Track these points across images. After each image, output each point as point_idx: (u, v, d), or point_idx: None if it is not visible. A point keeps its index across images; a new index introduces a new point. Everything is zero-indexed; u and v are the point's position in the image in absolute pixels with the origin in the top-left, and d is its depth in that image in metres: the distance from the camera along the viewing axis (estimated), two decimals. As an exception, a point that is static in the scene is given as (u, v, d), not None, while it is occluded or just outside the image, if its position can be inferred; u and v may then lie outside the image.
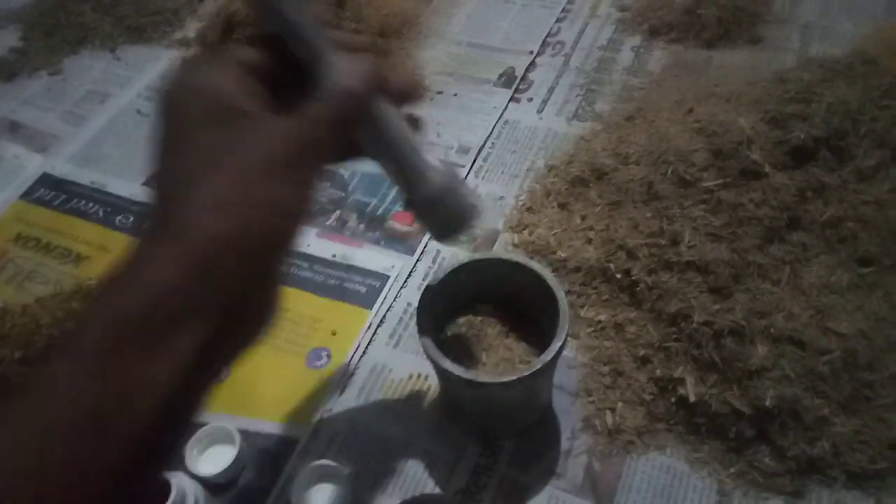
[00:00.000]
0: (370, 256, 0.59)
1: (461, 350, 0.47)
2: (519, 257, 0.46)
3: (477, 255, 0.46)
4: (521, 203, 0.63)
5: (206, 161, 0.26)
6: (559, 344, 0.41)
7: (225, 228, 0.25)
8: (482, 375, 0.41)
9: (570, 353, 0.53)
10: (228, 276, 0.26)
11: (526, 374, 0.39)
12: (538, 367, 0.40)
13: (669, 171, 0.52)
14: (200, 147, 0.27)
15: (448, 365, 0.40)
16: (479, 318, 0.48)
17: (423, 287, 0.44)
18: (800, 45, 0.73)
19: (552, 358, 0.40)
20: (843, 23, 0.75)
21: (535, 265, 0.45)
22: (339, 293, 0.57)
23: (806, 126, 0.48)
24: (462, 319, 0.48)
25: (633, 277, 0.51)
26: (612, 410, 0.49)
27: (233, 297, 0.26)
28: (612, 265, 0.53)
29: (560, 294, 0.43)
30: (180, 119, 0.27)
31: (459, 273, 0.45)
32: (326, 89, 0.29)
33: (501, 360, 0.47)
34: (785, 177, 0.48)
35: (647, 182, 0.54)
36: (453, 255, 0.60)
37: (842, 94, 0.49)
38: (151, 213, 0.26)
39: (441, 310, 0.46)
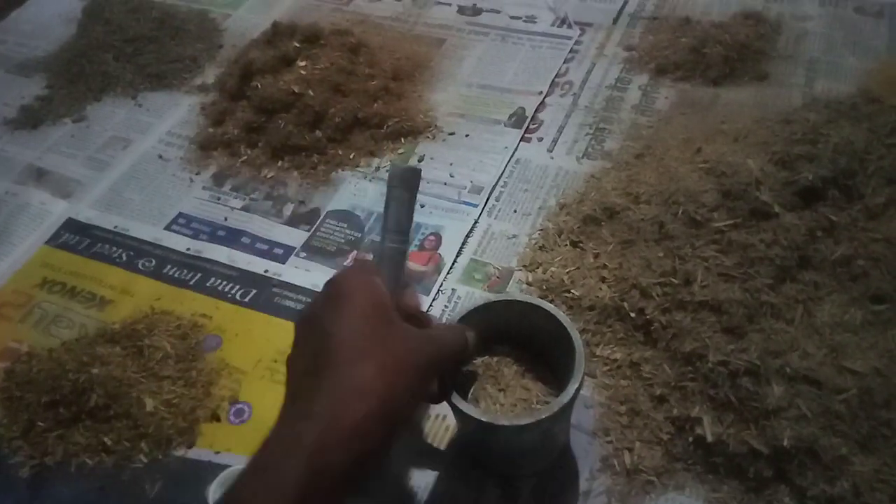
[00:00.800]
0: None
1: (478, 391, 0.47)
2: (534, 299, 0.47)
3: (492, 297, 0.47)
4: (533, 241, 0.64)
5: (373, 346, 0.35)
6: (576, 385, 0.41)
7: (381, 398, 0.33)
8: (499, 418, 0.41)
9: (586, 393, 0.53)
10: (380, 433, 0.33)
11: (543, 416, 0.40)
12: (556, 409, 0.40)
13: (680, 212, 0.53)
14: (371, 334, 0.35)
15: (465, 407, 0.41)
16: (496, 359, 0.49)
17: None
18: (805, 81, 0.74)
19: (570, 400, 0.41)
20: (847, 58, 0.76)
21: (549, 306, 0.45)
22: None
23: (813, 167, 0.49)
24: (478, 360, 0.48)
25: (648, 316, 0.52)
26: (630, 450, 0.49)
27: (366, 468, 0.33)
28: (626, 304, 0.54)
29: (575, 334, 0.43)
30: (355, 302, 0.36)
31: (474, 315, 0.46)
32: (451, 327, 0.43)
33: (518, 400, 0.47)
34: (794, 217, 0.48)
35: (658, 222, 0.55)
36: (468, 294, 0.61)
37: (847, 133, 0.50)
38: (322, 369, 0.34)
39: None
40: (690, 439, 0.47)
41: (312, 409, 0.32)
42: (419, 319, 0.41)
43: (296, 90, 0.71)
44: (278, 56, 0.74)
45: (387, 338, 0.35)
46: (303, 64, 0.73)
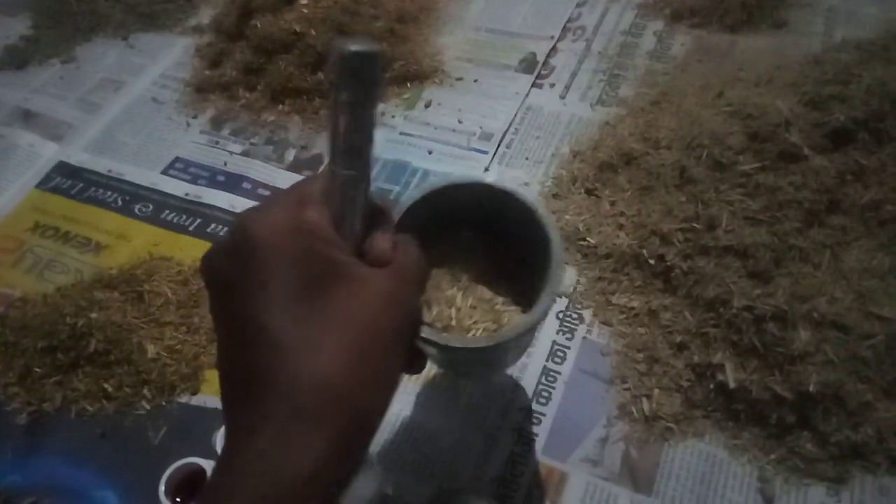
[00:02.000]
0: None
1: (431, 292, 0.39)
2: (506, 185, 0.37)
3: (456, 180, 0.37)
4: (546, 189, 0.62)
5: (326, 331, 0.25)
6: (549, 302, 0.33)
7: (354, 411, 0.24)
8: (453, 340, 0.33)
9: (602, 341, 0.52)
10: (354, 452, 0.25)
11: (511, 335, 0.33)
12: (518, 331, 0.33)
13: (704, 155, 0.51)
14: (315, 311, 0.25)
15: (429, 334, 0.32)
16: (458, 250, 0.40)
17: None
18: (824, 30, 0.72)
19: (540, 316, 0.33)
20: (867, 7, 0.74)
21: (524, 195, 0.36)
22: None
23: (845, 108, 0.47)
24: (435, 250, 0.38)
25: (668, 263, 0.50)
26: (649, 397, 0.48)
27: (353, 461, 0.26)
28: (644, 251, 0.52)
29: (554, 236, 0.34)
30: (278, 264, 0.25)
31: (434, 199, 0.37)
32: (407, 250, 0.29)
33: (479, 301, 0.38)
34: (824, 159, 0.47)
35: (680, 166, 0.53)
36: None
37: (880, 74, 0.48)
38: (262, 377, 0.24)
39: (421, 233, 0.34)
40: (711, 386, 0.47)
41: (250, 453, 0.23)
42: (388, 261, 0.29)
43: (297, 29, 0.68)
44: (279, -7, 0.70)
45: (346, 311, 0.25)
46: (305, 2, 0.69)
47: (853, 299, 0.45)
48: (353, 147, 0.28)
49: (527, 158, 0.65)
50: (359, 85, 0.27)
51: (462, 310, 0.38)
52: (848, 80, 0.48)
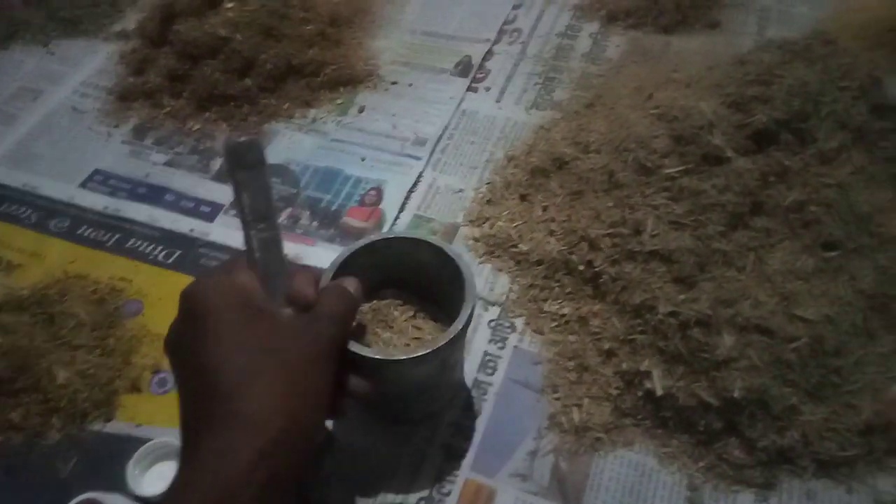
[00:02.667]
0: (324, 255, 0.56)
1: (368, 337, 0.45)
2: (417, 234, 0.45)
3: (375, 236, 0.44)
4: (480, 195, 0.61)
5: (257, 361, 0.31)
6: (468, 311, 0.39)
7: (283, 422, 0.30)
8: (394, 353, 0.39)
9: (534, 349, 0.51)
10: (289, 460, 0.30)
11: (441, 344, 0.38)
12: (451, 335, 0.38)
13: (630, 159, 0.50)
14: (249, 347, 0.31)
15: (358, 348, 0.38)
16: (385, 302, 0.46)
17: (324, 273, 0.42)
18: (757, 30, 0.72)
19: (464, 326, 0.39)
20: (799, 7, 0.75)
21: (434, 239, 0.43)
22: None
23: (767, 108, 0.47)
24: (366, 306, 0.46)
25: (596, 269, 0.50)
26: (579, 407, 0.47)
27: (290, 478, 0.31)
28: (574, 257, 0.51)
29: (463, 263, 0.41)
30: (220, 316, 0.32)
31: (356, 259, 0.43)
32: (333, 290, 0.37)
33: (411, 339, 0.45)
34: (748, 161, 0.46)
35: (608, 170, 0.52)
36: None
37: (801, 75, 0.48)
38: (209, 403, 0.30)
39: None
40: (640, 394, 0.46)
41: (205, 458, 0.29)
42: (309, 303, 0.36)
43: (222, 34, 0.66)
44: (202, -3, 0.68)
45: (272, 345, 0.32)
46: (230, 5, 0.67)
47: (777, 302, 0.44)
48: (259, 215, 0.36)
49: (461, 164, 0.63)
50: (249, 169, 0.35)
51: (398, 347, 0.44)
52: (770, 81, 0.48)
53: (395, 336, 0.45)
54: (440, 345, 0.38)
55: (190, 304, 0.33)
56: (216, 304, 0.32)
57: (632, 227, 0.48)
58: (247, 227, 0.36)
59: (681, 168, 0.47)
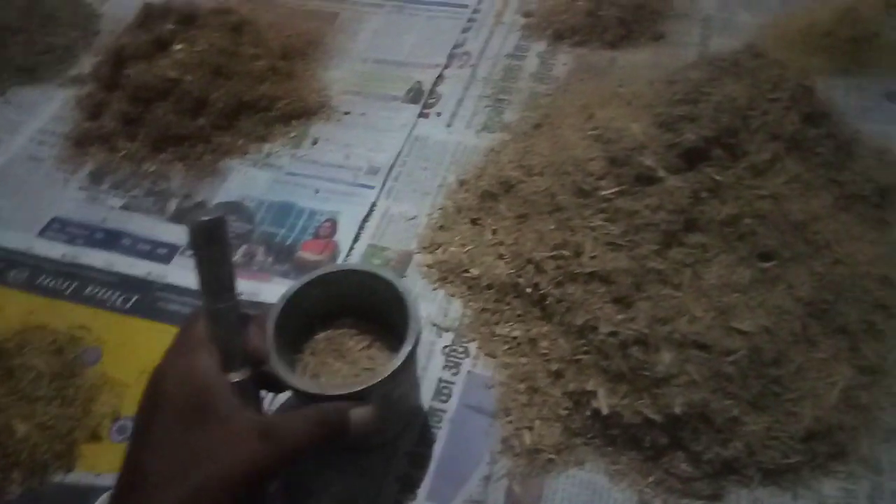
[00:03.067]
0: (280, 290, 0.57)
1: (320, 366, 0.45)
2: (370, 266, 0.47)
3: (324, 269, 0.45)
4: (433, 221, 0.62)
5: (184, 464, 0.32)
6: (409, 348, 0.40)
7: None
8: (330, 388, 0.40)
9: (487, 373, 0.52)
10: None
11: (375, 381, 0.39)
12: (386, 374, 0.39)
13: (569, 182, 0.51)
14: (181, 454, 0.32)
15: (296, 381, 0.39)
16: (339, 332, 0.47)
17: (273, 306, 0.43)
18: (700, 39, 0.74)
19: (403, 363, 0.40)
20: (741, 15, 0.76)
21: (385, 272, 0.44)
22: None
23: (695, 127, 0.48)
24: (321, 335, 0.46)
25: (542, 291, 0.51)
26: (530, 429, 0.48)
27: None
28: (521, 280, 0.52)
29: (408, 297, 0.42)
30: (167, 409, 0.33)
31: (311, 289, 0.44)
32: (316, 412, 0.37)
33: (363, 370, 0.45)
34: (679, 179, 0.47)
35: (550, 193, 0.53)
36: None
37: (729, 91, 0.49)
38: (129, 490, 0.32)
39: (296, 328, 0.44)
40: (588, 413, 0.47)
41: None
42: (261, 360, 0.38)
43: (172, 76, 0.67)
44: (151, 40, 0.69)
45: (201, 448, 0.32)
46: (179, 47, 0.68)
47: (714, 316, 0.45)
48: (222, 287, 0.37)
49: (414, 191, 0.64)
50: (212, 245, 0.36)
51: (348, 378, 0.44)
52: (698, 100, 0.49)
53: (347, 366, 0.46)
54: (375, 382, 0.39)
55: (153, 381, 0.35)
56: (171, 387, 0.34)
57: (572, 250, 0.49)
58: (208, 298, 0.37)
59: (615, 189, 0.48)
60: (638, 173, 0.48)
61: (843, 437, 0.45)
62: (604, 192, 0.49)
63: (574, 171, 0.51)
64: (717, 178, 0.48)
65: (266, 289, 0.58)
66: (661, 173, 0.47)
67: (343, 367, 0.46)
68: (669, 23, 0.75)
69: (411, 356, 0.41)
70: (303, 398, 0.40)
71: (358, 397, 0.39)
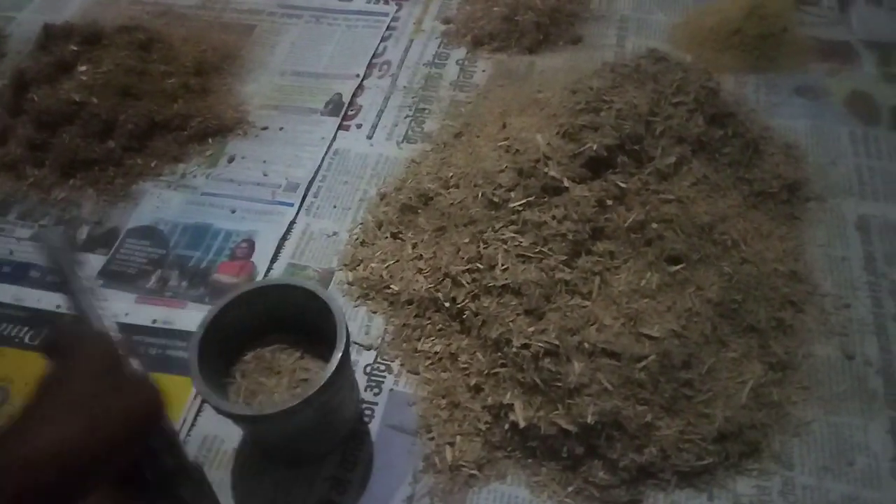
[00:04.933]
0: (196, 316, 0.55)
1: (255, 385, 0.45)
2: (289, 279, 0.47)
3: (243, 288, 0.45)
4: (354, 237, 0.61)
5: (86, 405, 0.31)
6: (339, 354, 0.40)
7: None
8: (266, 408, 0.40)
9: (409, 390, 0.51)
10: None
11: (310, 393, 0.39)
12: (321, 383, 0.39)
13: (480, 194, 0.51)
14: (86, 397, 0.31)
15: (232, 408, 0.40)
16: (269, 349, 0.46)
17: (193, 335, 0.42)
18: (616, 41, 0.74)
19: (335, 370, 0.40)
20: (656, 14, 0.77)
21: (304, 282, 0.44)
22: (162, 363, 0.53)
23: (598, 136, 0.48)
24: (249, 356, 0.46)
25: (459, 305, 0.50)
26: (452, 445, 0.48)
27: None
28: (440, 294, 0.52)
29: (335, 306, 0.42)
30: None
31: (231, 311, 0.44)
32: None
33: (299, 381, 0.45)
34: (584, 189, 0.48)
35: (465, 206, 0.53)
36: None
37: (631, 97, 0.50)
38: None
39: (220, 353, 0.44)
40: (506, 426, 0.47)
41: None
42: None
43: (77, 98, 0.64)
44: (53, 62, 0.66)
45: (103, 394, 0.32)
46: (83, 69, 0.66)
47: (623, 323, 0.46)
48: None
49: (335, 206, 0.63)
50: (59, 252, 0.37)
51: (284, 394, 0.44)
52: (600, 108, 0.49)
53: (284, 380, 0.45)
54: (313, 392, 0.39)
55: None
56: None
57: (486, 262, 0.49)
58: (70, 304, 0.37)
59: (524, 201, 0.48)
60: (544, 184, 0.48)
61: (755, 435, 0.46)
62: (513, 204, 0.49)
63: (485, 184, 0.51)
64: (622, 184, 0.48)
65: (181, 316, 0.56)
66: (567, 183, 0.48)
67: (279, 382, 0.45)
68: (587, 25, 0.76)
69: (345, 359, 0.41)
70: (241, 422, 0.41)
71: (298, 411, 0.39)
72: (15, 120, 0.68)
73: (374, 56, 0.76)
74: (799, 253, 0.55)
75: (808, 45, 0.72)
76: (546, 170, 0.48)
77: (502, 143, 0.53)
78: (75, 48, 0.67)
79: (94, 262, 0.60)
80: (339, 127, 0.69)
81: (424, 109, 0.70)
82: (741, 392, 0.46)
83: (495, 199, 0.50)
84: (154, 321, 0.56)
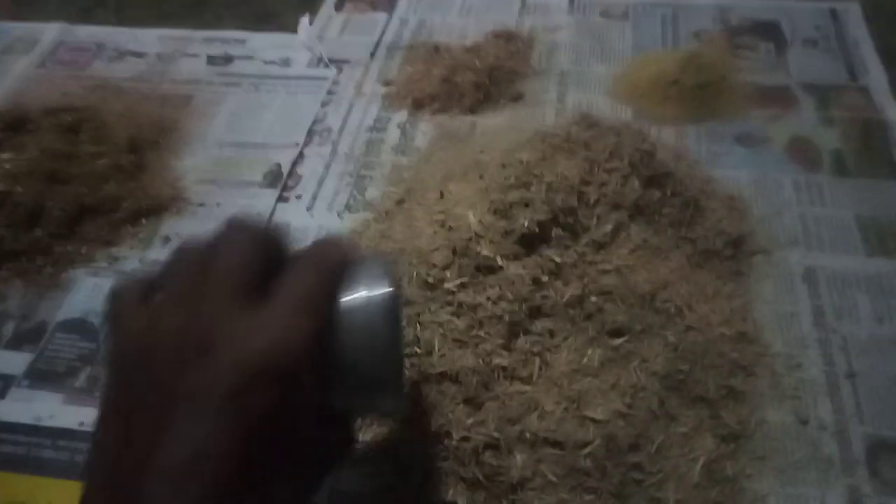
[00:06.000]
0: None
1: None
2: None
3: None
4: (294, 317, 0.58)
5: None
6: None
7: None
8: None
9: (352, 488, 0.48)
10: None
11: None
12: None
13: (415, 274, 0.49)
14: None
15: None
16: None
17: None
18: (557, 96, 0.74)
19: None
20: (595, 67, 0.77)
21: None
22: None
23: (529, 212, 0.47)
24: None
25: (398, 393, 0.48)
26: (395, 547, 0.45)
27: None
28: (378, 381, 0.50)
29: None
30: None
31: None
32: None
33: None
34: (518, 266, 0.46)
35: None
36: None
37: (562, 169, 0.49)
38: None
39: None
40: (452, 525, 0.44)
41: None
42: None
43: (1, 188, 0.62)
44: (-26, 151, 0.64)
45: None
46: (6, 157, 0.63)
47: (565, 408, 0.44)
48: None
49: (274, 284, 0.61)
50: None
51: None
52: (529, 182, 0.48)
53: None
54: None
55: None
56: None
57: (425, 347, 0.47)
58: None
59: (458, 282, 0.47)
60: (478, 263, 0.46)
61: (710, 514, 0.44)
62: (447, 285, 0.47)
63: (419, 264, 0.49)
64: (557, 259, 0.47)
65: (110, 417, 0.53)
66: (500, 262, 0.46)
67: None
68: (527, 82, 0.75)
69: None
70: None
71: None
72: (-63, 212, 0.65)
73: (314, 123, 0.74)
74: (747, 311, 0.54)
75: (748, 92, 0.72)
76: (478, 248, 0.46)
77: (438, 216, 0.52)
78: (-2, 135, 0.65)
79: (21, 360, 0.57)
80: (279, 199, 0.68)
81: (366, 176, 0.69)
82: (693, 470, 0.45)
83: (430, 280, 0.48)
84: (82, 424, 0.53)
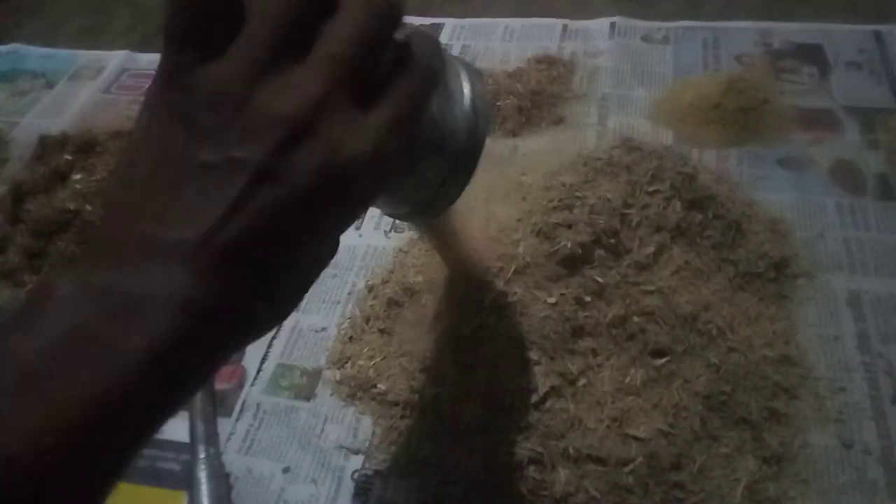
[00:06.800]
0: (181, 426, 0.56)
1: None
2: None
3: None
4: (342, 332, 0.61)
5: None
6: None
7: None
8: None
9: (399, 497, 0.50)
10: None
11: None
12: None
13: (456, 298, 0.51)
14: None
15: None
16: None
17: None
18: (598, 119, 0.75)
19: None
20: (636, 90, 0.78)
21: None
22: (151, 476, 0.53)
23: (571, 234, 0.48)
24: None
25: (444, 408, 0.50)
26: (441, 558, 0.46)
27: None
28: (422, 395, 0.51)
29: None
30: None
31: None
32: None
33: None
34: (562, 286, 0.48)
35: (448, 304, 0.53)
36: (274, 407, 0.57)
37: (603, 192, 0.50)
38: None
39: None
40: (496, 538, 0.45)
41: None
42: None
43: (72, 207, 0.66)
44: (48, 173, 0.68)
45: None
46: (77, 177, 0.68)
47: (608, 425, 0.45)
48: None
49: (323, 301, 0.64)
50: None
51: None
52: (572, 205, 0.50)
53: None
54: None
55: None
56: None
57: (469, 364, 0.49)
58: None
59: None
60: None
61: (753, 535, 0.44)
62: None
63: (461, 285, 0.51)
64: (600, 279, 0.48)
65: (171, 425, 0.56)
66: (544, 283, 0.48)
67: None
68: (568, 105, 0.77)
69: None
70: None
71: None
72: (13, 228, 0.70)
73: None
74: (790, 335, 0.54)
75: (790, 115, 0.72)
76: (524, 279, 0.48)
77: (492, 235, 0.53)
78: (69, 157, 0.69)
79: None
80: (328, 219, 0.70)
81: (411, 197, 0.71)
82: (735, 490, 0.45)
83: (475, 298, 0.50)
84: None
